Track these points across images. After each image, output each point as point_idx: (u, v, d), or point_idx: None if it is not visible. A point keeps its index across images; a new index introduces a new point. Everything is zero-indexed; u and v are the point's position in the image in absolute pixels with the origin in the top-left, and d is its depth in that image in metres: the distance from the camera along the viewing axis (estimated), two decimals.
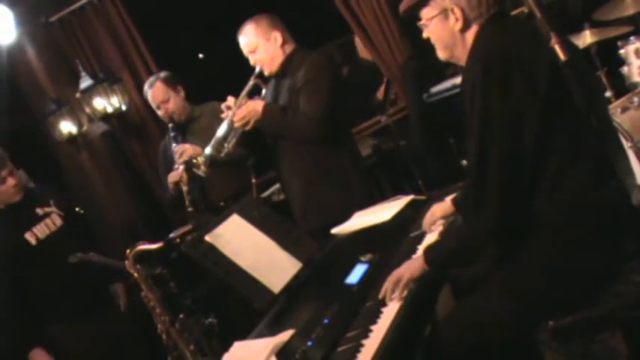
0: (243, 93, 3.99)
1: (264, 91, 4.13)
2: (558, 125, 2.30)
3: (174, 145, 4.61)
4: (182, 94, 4.76)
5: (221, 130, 3.98)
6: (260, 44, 3.99)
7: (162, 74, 4.80)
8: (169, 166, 4.67)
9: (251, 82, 4.03)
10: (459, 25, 2.45)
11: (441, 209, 3.04)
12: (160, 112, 4.77)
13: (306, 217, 4.06)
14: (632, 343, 2.56)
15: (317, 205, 4.03)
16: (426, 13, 2.53)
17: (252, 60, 4.04)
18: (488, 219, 2.34)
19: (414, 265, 2.55)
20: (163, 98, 4.68)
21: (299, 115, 3.87)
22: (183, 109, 4.75)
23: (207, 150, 3.96)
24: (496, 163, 2.29)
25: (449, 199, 3.03)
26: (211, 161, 3.97)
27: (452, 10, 2.45)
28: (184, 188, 4.46)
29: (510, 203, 2.32)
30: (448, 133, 5.94)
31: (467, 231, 2.47)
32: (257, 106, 3.92)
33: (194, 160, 4.02)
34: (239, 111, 3.92)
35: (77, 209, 4.67)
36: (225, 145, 3.97)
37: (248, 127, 3.93)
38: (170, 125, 4.71)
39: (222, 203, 4.61)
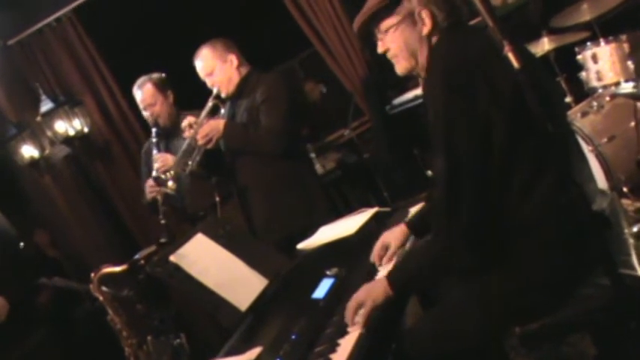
0: (204, 113, 4.10)
1: (222, 111, 4.21)
2: (522, 139, 2.27)
3: (155, 151, 4.52)
4: (171, 99, 4.67)
5: (184, 149, 4.09)
6: (217, 67, 4.11)
7: (155, 75, 4.69)
8: (150, 169, 4.56)
9: (210, 103, 4.14)
10: (426, 30, 2.41)
11: (394, 239, 2.87)
12: (145, 114, 4.66)
13: (269, 229, 4.09)
14: (601, 345, 2.57)
15: (280, 216, 4.08)
16: (389, 22, 2.47)
17: (209, 82, 4.15)
18: (462, 229, 2.29)
19: (376, 291, 2.43)
20: (151, 101, 4.59)
21: (260, 130, 3.96)
22: (169, 114, 4.64)
23: (172, 168, 3.99)
24: (466, 174, 2.26)
25: (401, 226, 2.94)
26: (177, 178, 4.06)
27: (419, 14, 2.41)
28: (159, 200, 4.39)
29: (482, 213, 2.29)
30: (412, 144, 5.98)
31: (434, 249, 2.41)
32: (219, 124, 4.04)
33: (162, 177, 4.03)
34: (201, 129, 4.03)
35: None
36: (189, 162, 4.08)
37: (210, 145, 4.04)
38: (154, 130, 4.59)
39: (201, 213, 4.54)
